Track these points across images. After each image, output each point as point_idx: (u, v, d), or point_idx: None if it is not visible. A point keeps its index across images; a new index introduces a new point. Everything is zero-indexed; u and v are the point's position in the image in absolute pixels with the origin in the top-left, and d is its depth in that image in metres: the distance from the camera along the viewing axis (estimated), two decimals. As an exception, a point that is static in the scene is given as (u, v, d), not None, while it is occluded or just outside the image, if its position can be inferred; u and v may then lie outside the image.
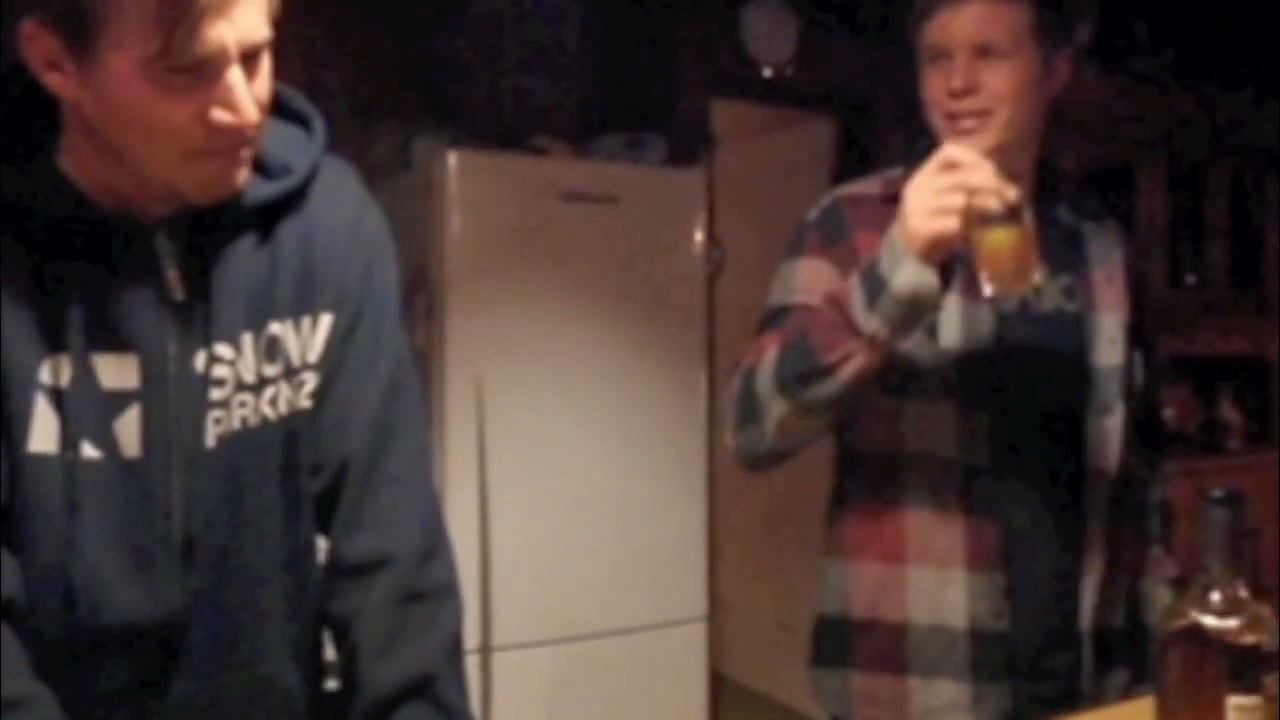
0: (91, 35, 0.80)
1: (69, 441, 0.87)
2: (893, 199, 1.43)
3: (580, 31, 3.36)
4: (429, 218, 2.71)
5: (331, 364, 1.02)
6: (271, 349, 0.98)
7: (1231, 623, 0.98)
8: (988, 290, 1.20)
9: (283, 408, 0.99)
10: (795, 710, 3.73)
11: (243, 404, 0.96)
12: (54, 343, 0.87)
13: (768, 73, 3.57)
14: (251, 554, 0.98)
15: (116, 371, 0.89)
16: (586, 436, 2.83)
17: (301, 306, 1.00)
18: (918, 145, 1.52)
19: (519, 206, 2.74)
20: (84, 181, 0.89)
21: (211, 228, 0.94)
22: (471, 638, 2.65)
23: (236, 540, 0.97)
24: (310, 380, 1.00)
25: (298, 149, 1.00)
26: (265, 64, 0.88)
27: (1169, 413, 3.88)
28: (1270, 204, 4.71)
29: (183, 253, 0.93)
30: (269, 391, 0.97)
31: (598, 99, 3.39)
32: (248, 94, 0.85)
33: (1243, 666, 0.97)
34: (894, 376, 1.37)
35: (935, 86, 1.37)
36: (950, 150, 1.20)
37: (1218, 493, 0.99)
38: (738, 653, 4.19)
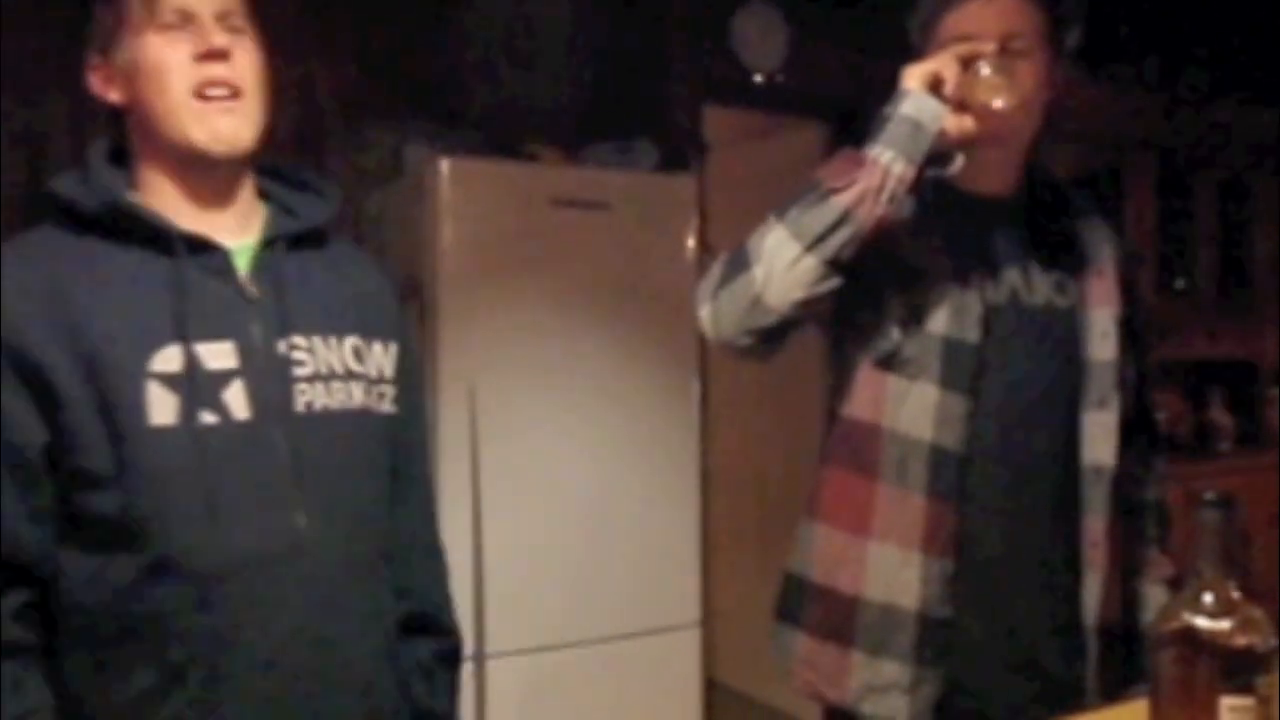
0: (116, 30, 1.12)
1: (189, 412, 1.07)
2: None
3: (572, 38, 3.37)
4: (421, 225, 2.71)
5: (400, 385, 1.26)
6: (358, 354, 1.21)
7: (1224, 624, 0.99)
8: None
9: (368, 401, 1.21)
10: (790, 715, 3.73)
11: (339, 388, 1.18)
12: (160, 338, 1.08)
13: (759, 79, 3.58)
14: (345, 515, 1.17)
15: (216, 355, 1.10)
16: (579, 443, 2.83)
17: (367, 331, 1.23)
18: None
19: (511, 213, 2.74)
20: (162, 208, 1.14)
21: (264, 245, 1.18)
22: (465, 645, 2.64)
23: (334, 495, 1.16)
24: (389, 392, 1.24)
25: (316, 204, 1.25)
26: (249, 41, 1.15)
27: (1160, 416, 3.89)
28: (1258, 208, 4.74)
29: (251, 262, 1.17)
30: (355, 385, 1.19)
31: (589, 106, 3.39)
32: (221, 37, 1.12)
33: (1236, 668, 0.98)
34: (886, 347, 1.38)
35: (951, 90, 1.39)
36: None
37: (1210, 495, 1.00)
38: (731, 658, 4.18)
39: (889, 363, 1.39)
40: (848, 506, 1.42)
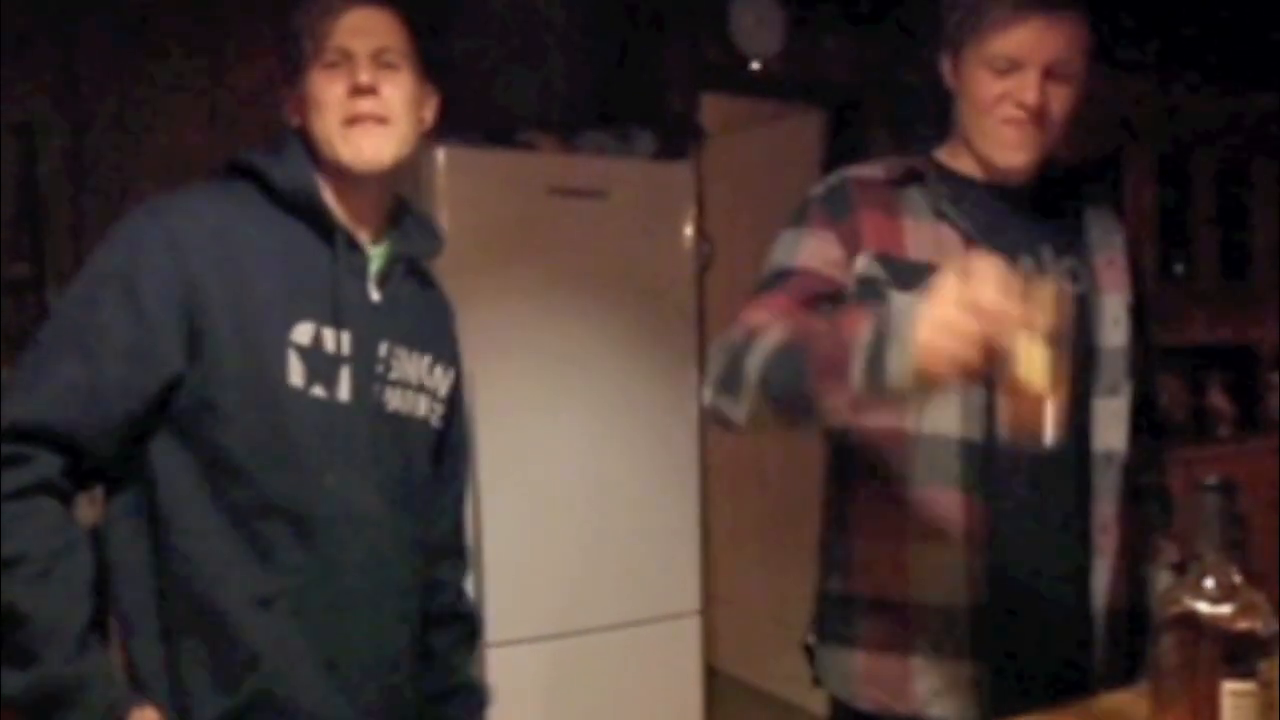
0: (298, 67, 1.29)
1: (309, 382, 1.23)
2: (896, 182, 1.45)
3: (568, 26, 3.35)
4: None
5: (449, 405, 1.44)
6: (430, 370, 1.39)
7: (1225, 609, 0.98)
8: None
9: (433, 418, 1.39)
10: (789, 702, 3.74)
11: (410, 397, 1.35)
12: (303, 313, 1.24)
13: (756, 66, 3.57)
14: (401, 502, 1.33)
15: (334, 341, 1.26)
16: (578, 432, 2.82)
17: (439, 354, 1.41)
18: (915, 135, 1.53)
19: (508, 202, 2.74)
20: (330, 204, 1.30)
21: (391, 260, 1.34)
22: (465, 634, 2.64)
23: (395, 483, 1.32)
24: (439, 410, 1.41)
25: (430, 237, 1.44)
26: (403, 74, 1.30)
27: (1162, 401, 3.89)
28: (1257, 193, 4.73)
29: (381, 272, 1.33)
30: (422, 397, 1.37)
31: (586, 93, 3.38)
32: (367, 69, 1.27)
33: (1237, 652, 0.97)
34: None
35: (992, 92, 1.37)
36: (984, 267, 1.06)
37: (1211, 480, 1.00)
38: (731, 646, 4.19)
39: None
40: (883, 516, 1.41)
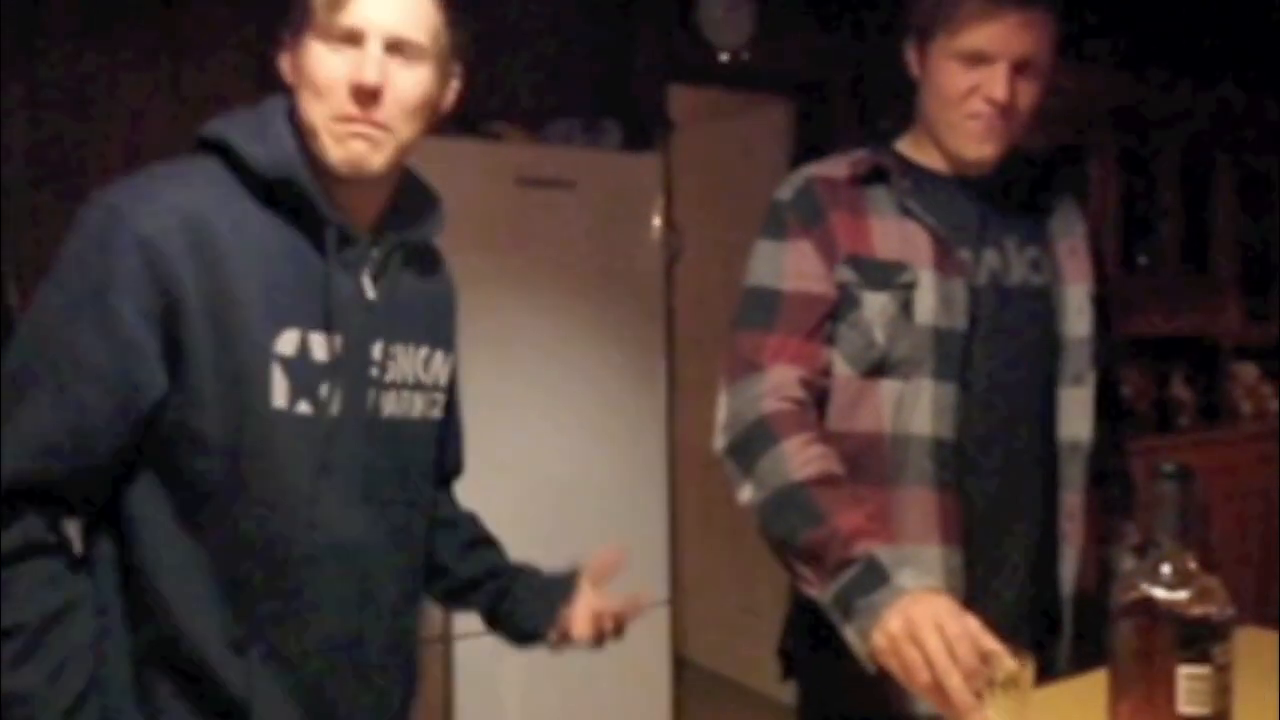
0: (300, 24, 1.11)
1: (293, 400, 1.10)
2: (859, 180, 1.45)
3: (535, 16, 3.34)
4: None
5: (448, 392, 1.33)
6: (428, 363, 1.26)
7: (1181, 595, 1.00)
8: None
9: (431, 413, 1.27)
10: (758, 692, 3.76)
11: (405, 398, 1.22)
12: (284, 320, 1.10)
13: (724, 57, 3.56)
14: (399, 520, 1.23)
15: (324, 347, 1.12)
16: (546, 422, 2.82)
17: (436, 341, 1.28)
18: (880, 127, 1.53)
19: (475, 192, 2.72)
20: (317, 193, 1.13)
21: (389, 250, 1.20)
22: (433, 626, 2.64)
23: (392, 500, 1.22)
24: (440, 400, 1.29)
25: (431, 213, 1.28)
26: (420, 72, 1.13)
27: (1124, 391, 3.93)
28: (1219, 185, 4.78)
29: (378, 265, 1.18)
30: (423, 395, 1.25)
31: (553, 83, 3.37)
32: (377, 65, 1.09)
33: (1193, 637, 0.99)
34: (872, 355, 1.38)
35: (961, 85, 1.38)
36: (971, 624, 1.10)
37: (1168, 467, 1.01)
38: (700, 636, 4.20)
39: (880, 368, 1.39)
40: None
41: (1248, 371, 4.95)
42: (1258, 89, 4.68)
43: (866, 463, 1.40)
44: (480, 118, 3.01)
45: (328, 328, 1.12)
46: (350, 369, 1.14)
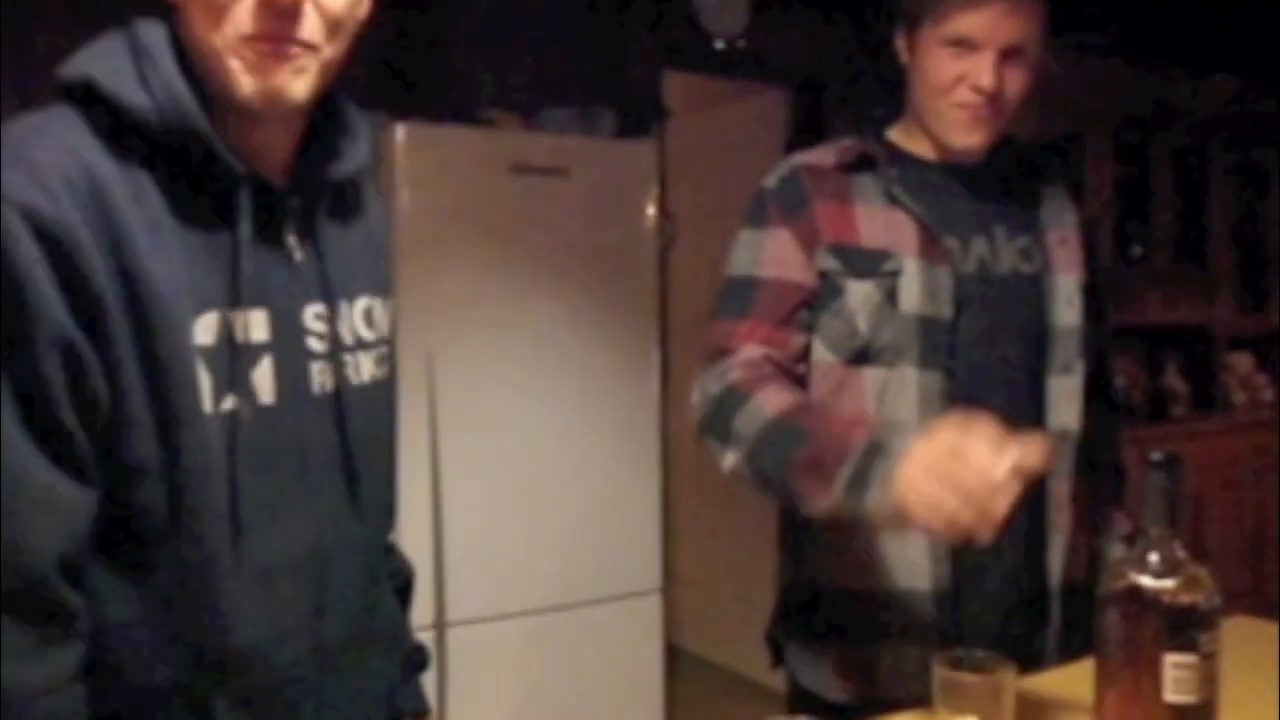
0: None
1: (219, 396, 0.92)
2: (846, 168, 1.45)
3: (530, 3, 3.33)
4: (377, 191, 2.68)
5: (391, 343, 1.13)
6: (369, 315, 1.07)
7: (1169, 583, 1.00)
8: None
9: (381, 371, 1.09)
10: (751, 680, 3.77)
11: (351, 363, 1.04)
12: (201, 302, 0.91)
13: (720, 44, 3.55)
14: (362, 511, 1.06)
15: (248, 326, 0.94)
16: (539, 411, 2.82)
17: (376, 287, 1.09)
18: (873, 114, 1.53)
19: (468, 179, 2.72)
20: (220, 143, 0.92)
21: (313, 196, 1.01)
22: (426, 614, 2.64)
23: (350, 490, 1.04)
24: (386, 353, 1.10)
25: (351, 142, 1.05)
26: None
27: (1118, 381, 3.93)
28: (1214, 176, 4.79)
29: (301, 216, 0.99)
30: (370, 355, 1.07)
31: (547, 70, 3.36)
32: None
33: (1180, 626, 0.99)
34: (855, 344, 1.38)
35: (948, 73, 1.37)
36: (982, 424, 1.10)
37: (1156, 455, 1.01)
38: (693, 624, 4.21)
39: (864, 356, 1.38)
40: None
41: (1242, 361, 4.96)
42: (1255, 79, 4.68)
43: None
44: (474, 105, 3.01)
45: (250, 302, 0.94)
46: (282, 345, 0.97)
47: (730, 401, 1.34)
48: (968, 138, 1.41)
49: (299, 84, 0.93)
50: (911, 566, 1.38)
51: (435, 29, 3.23)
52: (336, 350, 1.02)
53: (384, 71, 3.11)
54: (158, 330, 0.88)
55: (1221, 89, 4.64)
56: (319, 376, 1.01)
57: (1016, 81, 1.37)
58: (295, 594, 0.99)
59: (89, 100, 0.89)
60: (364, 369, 1.06)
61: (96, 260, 0.85)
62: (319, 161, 1.01)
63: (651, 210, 3.00)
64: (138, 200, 0.88)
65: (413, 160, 2.65)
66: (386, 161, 2.64)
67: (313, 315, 1.00)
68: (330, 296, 1.01)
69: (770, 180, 1.48)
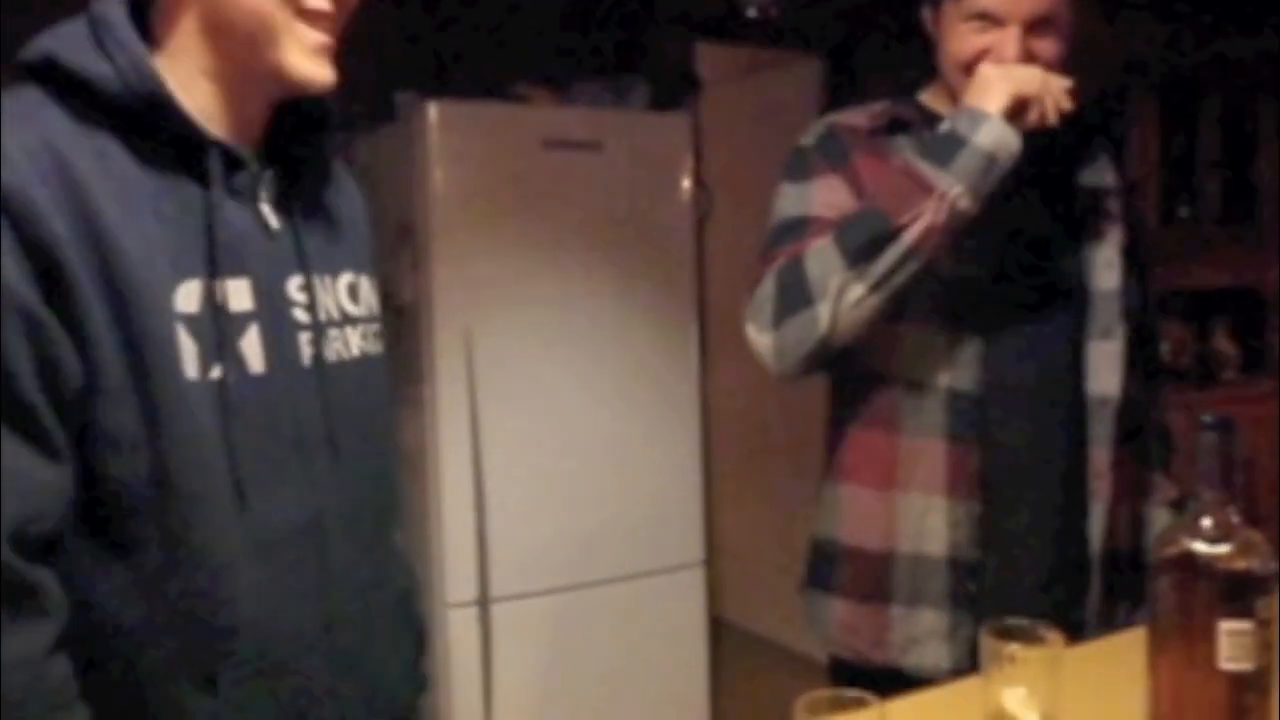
0: None
1: (206, 364, 0.92)
2: (878, 131, 1.42)
3: (560, -25, 3.31)
4: (411, 170, 2.68)
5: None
6: (354, 291, 1.08)
7: (1223, 549, 0.97)
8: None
9: (372, 347, 1.09)
10: (795, 652, 3.76)
11: (339, 336, 1.04)
12: (180, 270, 0.91)
13: (753, 13, 3.51)
14: (357, 486, 1.05)
15: (235, 294, 0.94)
16: (578, 385, 2.82)
17: (359, 264, 1.10)
18: (907, 77, 1.51)
19: (501, 156, 2.71)
20: (189, 103, 0.94)
21: (286, 168, 1.02)
22: (470, 590, 2.65)
23: (344, 463, 1.03)
24: (377, 330, 1.11)
25: (323, 118, 1.07)
26: None
27: (1164, 346, 3.87)
28: (1262, 135, 4.68)
29: (274, 184, 1.01)
30: (358, 329, 1.07)
31: (578, 44, 3.34)
32: None
33: (1234, 592, 0.97)
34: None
35: (971, 47, 1.35)
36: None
37: (1209, 418, 0.98)
38: (736, 597, 4.21)
39: (896, 314, 1.37)
40: (871, 463, 1.41)
41: (1292, 323, 4.86)
42: (1303, 33, 4.56)
43: (879, 408, 1.39)
44: (506, 80, 2.99)
45: (230, 271, 0.94)
46: (268, 314, 0.96)
47: (790, 273, 1.33)
48: None
49: (330, 71, 0.97)
50: (931, 533, 1.36)
51: (464, 5, 3.22)
52: (321, 322, 1.02)
53: (414, 50, 3.11)
54: (133, 298, 0.88)
55: (1267, 46, 4.52)
56: (308, 348, 1.00)
57: (1047, 51, 1.34)
58: (296, 565, 0.98)
59: (51, 77, 0.90)
60: (353, 343, 1.06)
61: (61, 229, 0.85)
62: (289, 136, 1.03)
63: (686, 182, 2.98)
64: (105, 171, 0.88)
65: (445, 138, 2.64)
66: (419, 140, 2.64)
67: (296, 286, 1.00)
68: (308, 269, 1.01)
69: (808, 138, 1.47)
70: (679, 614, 3.02)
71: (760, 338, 1.35)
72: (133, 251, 0.88)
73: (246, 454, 0.94)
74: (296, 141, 1.04)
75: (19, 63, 0.92)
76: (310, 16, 0.95)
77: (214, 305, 0.92)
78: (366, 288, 1.11)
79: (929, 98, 1.46)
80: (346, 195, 1.13)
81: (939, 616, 1.37)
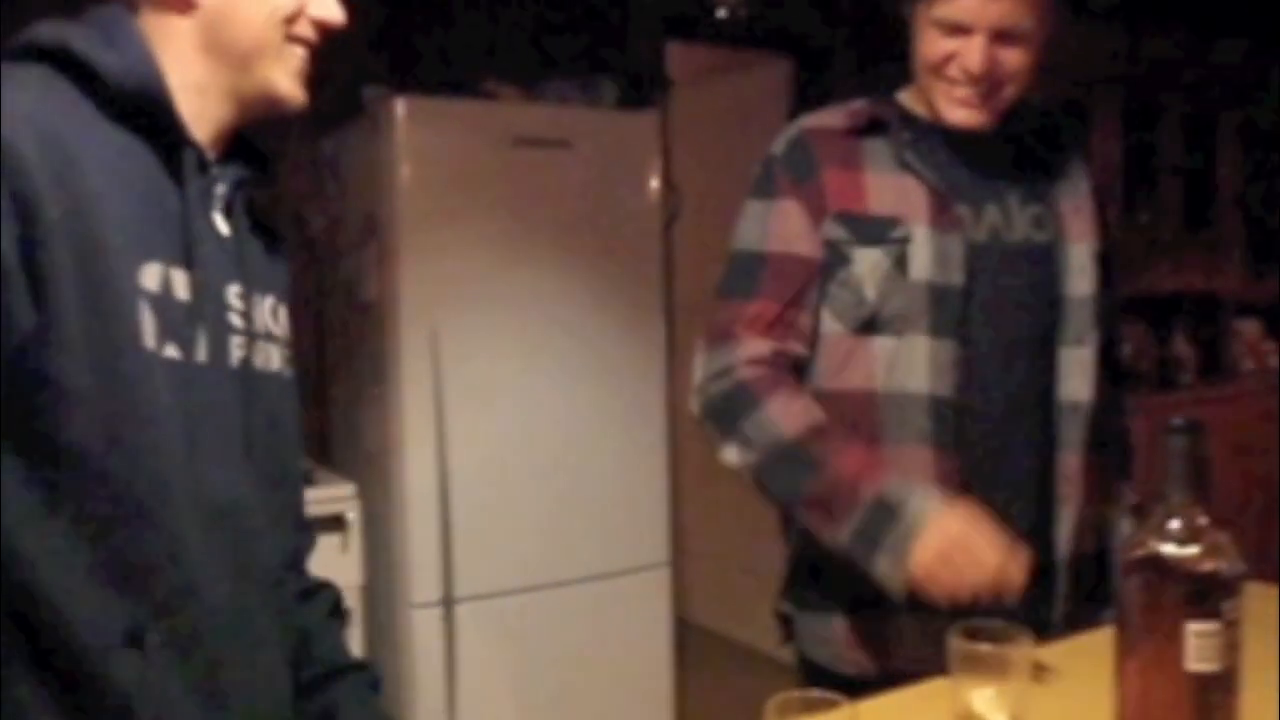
0: None
1: (161, 342, 0.97)
2: (858, 132, 1.42)
3: (529, -28, 3.29)
4: (379, 165, 2.66)
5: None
6: (276, 314, 1.14)
7: (1191, 550, 0.98)
8: None
9: (288, 369, 1.15)
10: (759, 651, 3.77)
11: (264, 349, 1.10)
12: (146, 251, 0.97)
13: (722, 13, 3.51)
14: (273, 481, 1.11)
15: (185, 286, 1.00)
16: (545, 384, 2.80)
17: (279, 292, 1.16)
18: (884, 72, 1.50)
19: (470, 152, 2.69)
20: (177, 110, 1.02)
21: (240, 181, 1.10)
22: (434, 590, 2.64)
23: (263, 458, 1.09)
24: (290, 356, 1.16)
25: (260, 144, 1.16)
26: None
27: (1126, 349, 3.91)
28: (1221, 141, 4.74)
29: (226, 198, 1.08)
30: (278, 349, 1.13)
31: (548, 41, 3.32)
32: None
33: (1202, 593, 0.97)
34: (863, 313, 1.36)
35: (939, 51, 1.35)
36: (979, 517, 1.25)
37: (1177, 421, 0.99)
38: (701, 597, 4.22)
39: (872, 325, 1.37)
40: None
41: (1250, 328, 4.94)
42: (1262, 44, 4.63)
43: (859, 421, 1.39)
44: (474, 77, 2.97)
45: (188, 263, 1.00)
46: (211, 311, 1.02)
47: (740, 401, 1.38)
48: (963, 116, 1.38)
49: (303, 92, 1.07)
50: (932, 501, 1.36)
51: (434, 2, 3.20)
52: (253, 331, 1.08)
53: (383, 45, 3.08)
54: (98, 260, 0.92)
55: (1230, 54, 4.59)
56: (238, 351, 1.06)
57: (1014, 60, 1.34)
58: (221, 542, 1.02)
59: (57, 60, 0.97)
60: (274, 359, 1.12)
61: (44, 186, 0.89)
62: (239, 157, 1.11)
63: (655, 181, 2.97)
64: (93, 145, 0.95)
65: (413, 134, 2.62)
66: (387, 136, 2.61)
67: (234, 294, 1.07)
68: (247, 280, 1.08)
69: (778, 146, 1.46)
70: (644, 614, 3.01)
71: (692, 409, 1.46)
72: (109, 221, 0.93)
73: (189, 429, 0.99)
74: (250, 161, 1.12)
75: (26, 43, 0.98)
76: (298, 40, 1.06)
77: (169, 290, 0.98)
78: (284, 314, 1.17)
79: (909, 97, 1.46)
80: (273, 224, 1.21)
81: (937, 621, 1.37)
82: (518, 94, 2.98)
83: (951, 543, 1.22)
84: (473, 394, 2.70)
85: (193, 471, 0.99)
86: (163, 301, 0.97)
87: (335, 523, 2.55)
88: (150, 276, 0.96)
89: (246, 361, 1.07)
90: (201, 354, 1.00)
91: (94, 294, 0.92)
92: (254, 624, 1.07)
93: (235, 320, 1.06)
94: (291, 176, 3.06)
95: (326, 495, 2.57)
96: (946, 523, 1.23)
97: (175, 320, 0.98)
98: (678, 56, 3.59)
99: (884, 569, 1.26)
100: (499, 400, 2.74)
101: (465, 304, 2.68)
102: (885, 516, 1.26)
